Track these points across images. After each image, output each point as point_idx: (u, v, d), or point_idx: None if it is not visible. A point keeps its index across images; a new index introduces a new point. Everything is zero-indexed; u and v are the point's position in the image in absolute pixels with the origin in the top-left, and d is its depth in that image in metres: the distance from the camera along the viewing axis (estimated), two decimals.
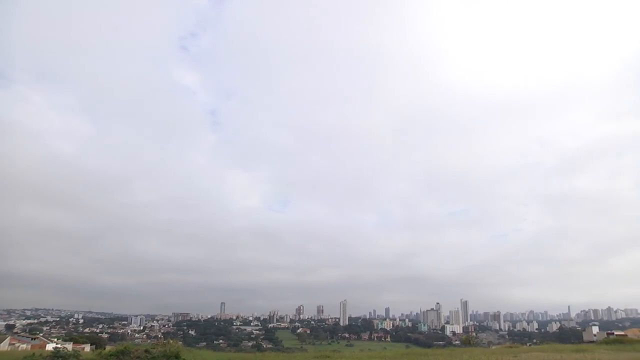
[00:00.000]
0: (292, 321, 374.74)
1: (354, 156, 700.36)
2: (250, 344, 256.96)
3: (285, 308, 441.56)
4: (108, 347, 55.45)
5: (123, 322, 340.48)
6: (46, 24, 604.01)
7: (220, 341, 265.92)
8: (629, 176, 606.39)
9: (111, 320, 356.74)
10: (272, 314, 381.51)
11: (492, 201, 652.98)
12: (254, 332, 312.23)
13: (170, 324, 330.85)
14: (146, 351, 38.65)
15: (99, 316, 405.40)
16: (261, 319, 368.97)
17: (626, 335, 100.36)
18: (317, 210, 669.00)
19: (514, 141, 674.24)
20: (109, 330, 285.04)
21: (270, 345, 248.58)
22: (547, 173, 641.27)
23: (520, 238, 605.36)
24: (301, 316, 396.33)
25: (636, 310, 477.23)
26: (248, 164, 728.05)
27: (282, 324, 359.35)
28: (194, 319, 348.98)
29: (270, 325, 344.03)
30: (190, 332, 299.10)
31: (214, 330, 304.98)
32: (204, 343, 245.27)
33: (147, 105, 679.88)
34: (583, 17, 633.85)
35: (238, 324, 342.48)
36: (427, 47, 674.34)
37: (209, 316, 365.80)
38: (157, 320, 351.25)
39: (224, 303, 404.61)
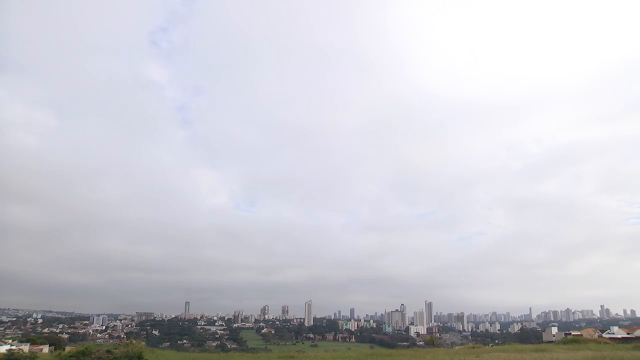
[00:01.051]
0: (257, 321, 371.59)
1: (323, 156, 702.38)
2: (214, 344, 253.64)
3: (250, 308, 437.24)
4: (68, 348, 53.18)
5: (84, 322, 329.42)
6: (11, 15, 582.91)
7: (184, 341, 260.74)
8: (591, 183, 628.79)
9: (72, 319, 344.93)
10: (236, 314, 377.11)
11: (458, 204, 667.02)
12: (218, 332, 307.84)
13: (134, 324, 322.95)
14: (108, 351, 37.22)
15: (60, 316, 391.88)
16: (226, 318, 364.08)
17: (582, 335, 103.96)
18: (285, 210, 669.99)
19: (481, 145, 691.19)
20: (69, 331, 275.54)
21: (234, 346, 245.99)
22: (512, 178, 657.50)
23: (485, 241, 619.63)
24: (266, 316, 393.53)
25: (592, 311, 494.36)
26: (216, 162, 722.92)
27: (246, 324, 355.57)
28: (157, 319, 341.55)
29: (234, 325, 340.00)
30: (153, 332, 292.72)
31: (178, 330, 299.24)
32: (168, 343, 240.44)
33: (115, 100, 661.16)
34: (553, 26, 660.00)
35: (202, 323, 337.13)
36: (400, 49, 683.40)
37: (173, 316, 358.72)
38: (120, 320, 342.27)
39: (188, 302, 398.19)
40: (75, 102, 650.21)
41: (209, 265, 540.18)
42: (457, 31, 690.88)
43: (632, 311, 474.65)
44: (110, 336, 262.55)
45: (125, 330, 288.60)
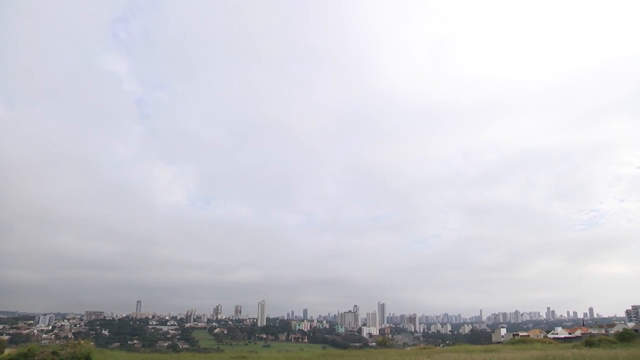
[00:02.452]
0: (209, 321, 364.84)
1: (283, 155, 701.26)
2: (166, 344, 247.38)
3: (203, 307, 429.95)
4: (7, 351, 49.13)
5: (29, 322, 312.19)
6: None
7: (135, 341, 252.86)
8: (542, 190, 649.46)
9: (15, 319, 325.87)
10: (189, 314, 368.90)
11: (414, 207, 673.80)
12: (170, 332, 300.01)
13: (83, 323, 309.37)
14: (53, 353, 35.02)
15: (1, 315, 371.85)
16: (178, 318, 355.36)
17: (529, 335, 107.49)
18: (241, 209, 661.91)
19: (439, 150, 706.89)
20: (11, 331, 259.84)
21: (186, 346, 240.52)
22: (468, 183, 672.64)
23: (440, 244, 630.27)
24: (219, 316, 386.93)
25: (539, 313, 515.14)
26: (174, 158, 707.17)
27: (199, 324, 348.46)
28: (108, 318, 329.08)
29: (187, 325, 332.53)
30: (103, 331, 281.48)
31: (128, 330, 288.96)
32: (118, 343, 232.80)
33: (70, 91, 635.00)
34: (512, 37, 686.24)
35: (154, 323, 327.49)
36: (365, 52, 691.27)
37: (124, 315, 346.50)
38: (68, 320, 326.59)
39: (140, 301, 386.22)
40: (27, 91, 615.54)
41: (162, 263, 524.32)
42: (419, 36, 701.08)
43: (575, 313, 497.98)
44: (57, 337, 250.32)
45: (73, 330, 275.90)
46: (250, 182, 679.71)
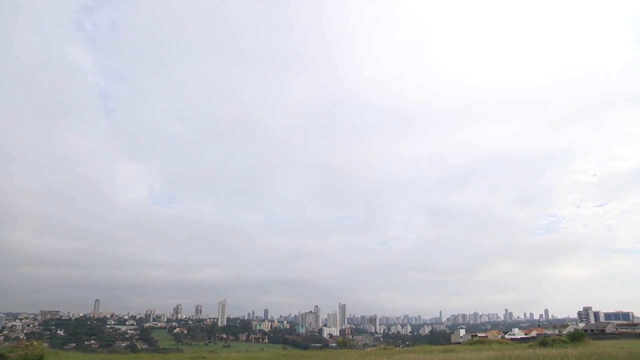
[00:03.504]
0: (169, 320, 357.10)
1: (249, 154, 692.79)
2: (124, 344, 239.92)
3: (163, 307, 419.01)
4: None
5: None
6: None
7: (92, 342, 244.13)
8: (504, 195, 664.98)
9: None
10: (149, 313, 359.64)
11: (377, 209, 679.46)
12: (128, 331, 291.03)
13: (37, 324, 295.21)
14: (1, 356, 32.47)
15: None
16: (137, 318, 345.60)
17: (487, 336, 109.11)
18: (205, 207, 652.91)
19: (404, 153, 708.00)
20: None
21: (145, 346, 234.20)
22: (431, 186, 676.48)
23: (402, 246, 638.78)
24: (179, 315, 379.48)
25: (497, 314, 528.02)
26: (137, 154, 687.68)
27: (159, 324, 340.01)
28: (64, 318, 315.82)
29: (146, 325, 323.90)
30: (59, 332, 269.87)
31: (85, 330, 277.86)
32: (74, 344, 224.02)
33: (31, 81, 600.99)
34: (479, 44, 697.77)
35: (112, 323, 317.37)
36: (334, 53, 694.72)
37: (81, 314, 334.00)
38: (21, 319, 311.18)
39: (98, 300, 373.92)
40: None
41: (123, 261, 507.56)
42: (390, 40, 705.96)
43: (531, 314, 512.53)
44: (7, 338, 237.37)
45: (25, 331, 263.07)
46: (215, 180, 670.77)
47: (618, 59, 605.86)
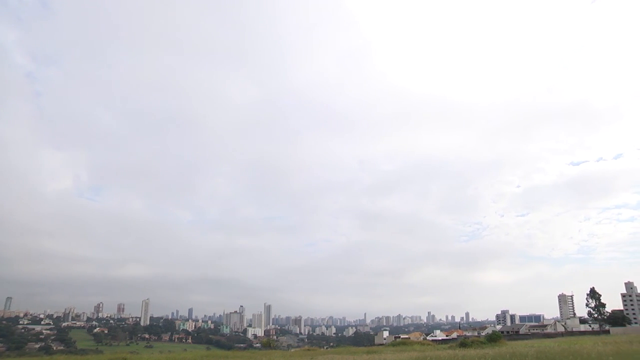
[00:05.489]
0: (89, 320, 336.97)
1: (182, 148, 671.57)
2: (37, 345, 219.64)
3: (84, 305, 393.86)
4: None
5: None
6: None
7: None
8: (432, 202, 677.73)
9: None
10: (67, 312, 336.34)
11: (308, 211, 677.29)
12: (44, 332, 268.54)
13: None
14: None
15: None
16: (54, 317, 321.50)
17: (409, 338, 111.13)
18: (133, 202, 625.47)
19: (336, 156, 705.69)
20: None
21: (61, 347, 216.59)
22: (362, 190, 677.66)
23: (330, 248, 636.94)
24: (100, 314, 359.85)
25: (420, 317, 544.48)
26: (65, 142, 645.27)
27: (77, 323, 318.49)
28: None
29: (64, 324, 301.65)
30: None
31: None
32: None
33: None
34: (420, 53, 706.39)
35: (25, 322, 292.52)
36: (277, 54, 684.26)
37: None
38: None
39: (10, 298, 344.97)
40: None
41: (42, 255, 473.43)
42: (333, 45, 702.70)
43: (452, 317, 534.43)
44: None
45: None
46: (145, 175, 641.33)
47: (545, 80, 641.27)
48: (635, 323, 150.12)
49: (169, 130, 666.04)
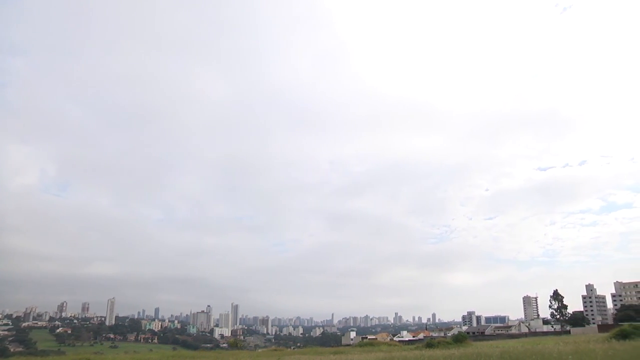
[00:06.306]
0: (52, 319, 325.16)
1: (152, 145, 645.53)
2: None
3: (47, 304, 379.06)
4: None
5: None
6: None
7: None
8: (402, 203, 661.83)
9: None
10: (28, 311, 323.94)
11: (278, 210, 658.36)
12: (1, 332, 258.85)
13: None
14: None
15: None
16: (14, 316, 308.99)
17: (376, 338, 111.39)
18: (101, 198, 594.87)
19: (307, 157, 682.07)
20: None
21: (20, 349, 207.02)
22: (332, 191, 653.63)
23: (299, 248, 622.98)
24: (63, 314, 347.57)
25: (387, 317, 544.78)
26: (30, 136, 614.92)
27: (39, 323, 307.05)
28: None
29: (24, 325, 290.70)
30: None
31: None
32: None
33: None
34: (393, 56, 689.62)
35: None
36: (252, 51, 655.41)
37: None
38: None
39: None
40: None
41: (3, 253, 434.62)
42: (308, 44, 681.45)
43: (420, 318, 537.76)
44: None
45: None
46: (114, 170, 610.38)
47: (515, 88, 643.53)
48: (594, 323, 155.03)
49: (139, 126, 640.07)
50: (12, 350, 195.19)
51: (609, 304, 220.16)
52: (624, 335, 41.51)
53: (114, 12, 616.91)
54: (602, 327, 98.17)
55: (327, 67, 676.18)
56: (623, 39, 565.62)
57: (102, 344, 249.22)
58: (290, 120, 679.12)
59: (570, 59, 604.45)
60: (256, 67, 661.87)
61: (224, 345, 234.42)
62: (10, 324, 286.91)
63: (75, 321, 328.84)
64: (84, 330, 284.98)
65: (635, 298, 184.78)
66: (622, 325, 57.31)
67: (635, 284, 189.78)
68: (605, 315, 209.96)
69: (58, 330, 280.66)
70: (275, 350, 79.63)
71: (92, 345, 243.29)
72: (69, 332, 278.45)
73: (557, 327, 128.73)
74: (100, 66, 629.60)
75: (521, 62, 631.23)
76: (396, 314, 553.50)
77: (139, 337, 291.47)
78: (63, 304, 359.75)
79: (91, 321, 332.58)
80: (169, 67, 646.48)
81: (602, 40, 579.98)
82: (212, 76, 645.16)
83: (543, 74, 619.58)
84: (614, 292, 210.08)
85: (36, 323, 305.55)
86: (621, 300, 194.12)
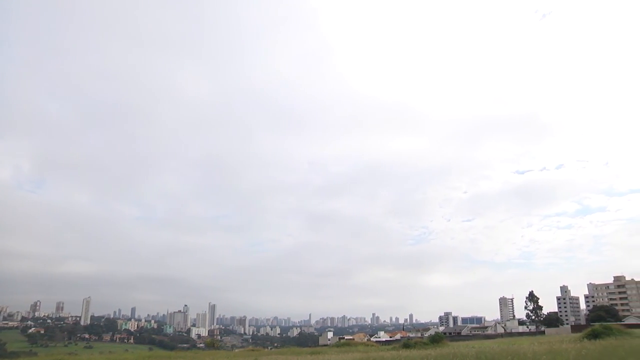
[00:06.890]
0: (24, 319, 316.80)
1: (131, 142, 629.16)
2: None
3: (19, 304, 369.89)
4: None
5: None
6: None
7: None
8: (380, 205, 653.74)
9: None
10: None
11: (257, 210, 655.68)
12: None
13: None
14: None
15: None
16: None
17: (353, 339, 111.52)
18: (77, 195, 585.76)
19: (287, 157, 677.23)
20: None
21: None
22: (311, 191, 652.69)
23: (277, 249, 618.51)
24: (37, 314, 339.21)
25: (364, 318, 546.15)
26: (4, 131, 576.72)
27: (10, 323, 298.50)
28: None
29: None
30: None
31: None
32: None
33: None
34: (374, 57, 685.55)
35: None
36: (235, 50, 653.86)
37: None
38: None
39: None
40: None
41: None
42: (291, 44, 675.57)
43: (397, 318, 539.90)
44: None
45: None
46: (91, 167, 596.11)
47: (494, 92, 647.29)
48: (568, 324, 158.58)
49: (119, 122, 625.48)
50: None
51: (582, 305, 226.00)
52: (595, 335, 42.58)
53: (95, 7, 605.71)
54: (575, 328, 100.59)
55: (311, 68, 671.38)
56: (601, 45, 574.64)
57: (76, 344, 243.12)
58: (271, 120, 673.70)
59: (549, 64, 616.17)
60: (239, 66, 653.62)
61: (201, 345, 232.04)
62: None
63: (48, 321, 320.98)
64: (58, 331, 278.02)
65: (606, 299, 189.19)
66: (593, 325, 58.53)
67: (607, 286, 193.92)
68: (579, 315, 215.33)
69: (30, 331, 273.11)
70: (253, 350, 79.01)
71: (66, 345, 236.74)
72: (42, 332, 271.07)
73: (532, 328, 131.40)
74: (80, 61, 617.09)
75: (501, 67, 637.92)
76: (374, 314, 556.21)
77: (115, 337, 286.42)
78: (36, 303, 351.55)
79: (66, 321, 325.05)
80: (150, 64, 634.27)
81: (580, 47, 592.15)
82: (194, 74, 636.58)
83: (522, 79, 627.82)
84: (587, 293, 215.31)
85: (7, 323, 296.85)
86: (594, 301, 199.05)
